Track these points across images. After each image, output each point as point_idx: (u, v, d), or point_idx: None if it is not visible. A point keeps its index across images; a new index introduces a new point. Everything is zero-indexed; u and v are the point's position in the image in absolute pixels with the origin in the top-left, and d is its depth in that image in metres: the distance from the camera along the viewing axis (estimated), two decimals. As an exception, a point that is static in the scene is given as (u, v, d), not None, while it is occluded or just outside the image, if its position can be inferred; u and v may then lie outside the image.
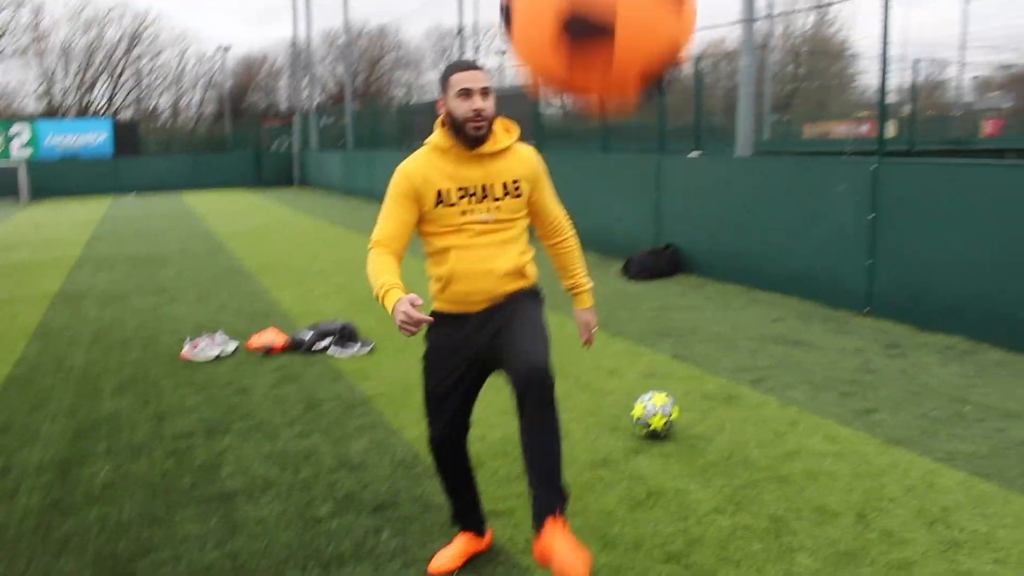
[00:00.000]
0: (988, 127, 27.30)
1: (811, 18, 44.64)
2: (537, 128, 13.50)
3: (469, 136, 2.91)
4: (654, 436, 4.51)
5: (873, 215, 7.12)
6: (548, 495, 2.78)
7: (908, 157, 9.69)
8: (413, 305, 2.64)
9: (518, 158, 3.04)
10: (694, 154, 10.77)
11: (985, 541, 3.41)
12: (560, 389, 2.53)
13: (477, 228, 2.96)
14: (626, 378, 5.65)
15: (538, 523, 2.75)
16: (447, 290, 3.01)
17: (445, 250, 2.98)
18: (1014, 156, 13.62)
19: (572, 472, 4.03)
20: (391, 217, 2.98)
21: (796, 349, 6.31)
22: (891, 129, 21.47)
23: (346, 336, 6.57)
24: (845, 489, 3.90)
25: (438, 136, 2.99)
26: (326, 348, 6.51)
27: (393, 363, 6.16)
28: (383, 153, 21.87)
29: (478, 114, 2.87)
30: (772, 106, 34.81)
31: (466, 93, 2.87)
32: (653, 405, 4.48)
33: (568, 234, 3.26)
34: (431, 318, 2.82)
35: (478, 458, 4.06)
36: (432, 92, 41.33)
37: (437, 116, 3.00)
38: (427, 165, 2.97)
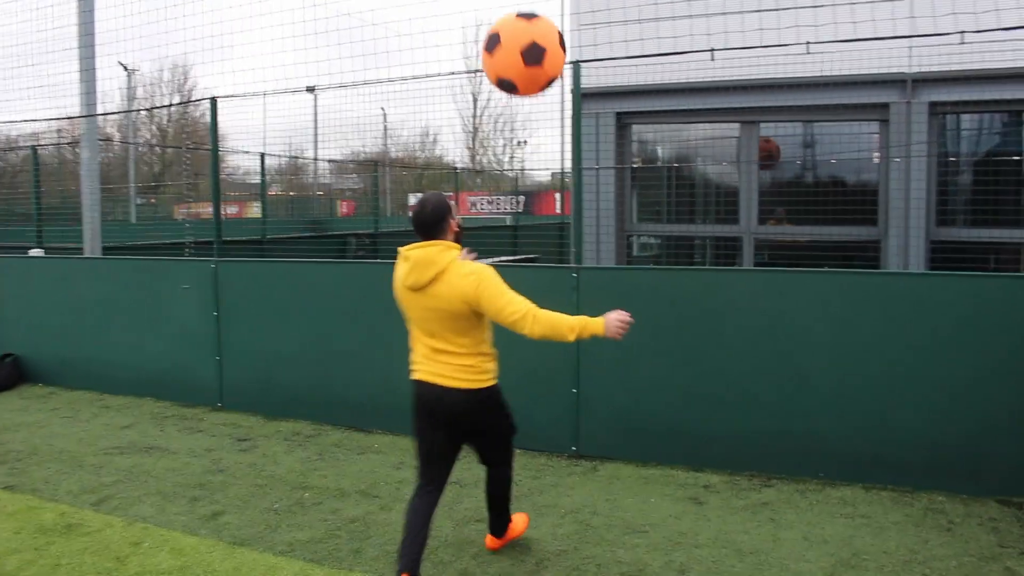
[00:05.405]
0: (343, 207, 30.20)
1: (176, 98, 44.87)
2: None
3: None
4: (-26, 592, 4.00)
5: (216, 313, 7.34)
6: None
7: (245, 259, 10.24)
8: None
9: None
10: (35, 252, 9.95)
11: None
12: None
13: None
14: (-56, 525, 4.91)
15: None
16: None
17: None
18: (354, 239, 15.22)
19: None
20: None
21: (147, 457, 6.15)
22: (256, 211, 22.28)
23: None
24: (186, 606, 3.89)
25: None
26: None
27: None
28: None
29: None
30: (139, 190, 33.91)
31: None
32: (-32, 558, 3.97)
33: None
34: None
35: None
36: None
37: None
38: None
